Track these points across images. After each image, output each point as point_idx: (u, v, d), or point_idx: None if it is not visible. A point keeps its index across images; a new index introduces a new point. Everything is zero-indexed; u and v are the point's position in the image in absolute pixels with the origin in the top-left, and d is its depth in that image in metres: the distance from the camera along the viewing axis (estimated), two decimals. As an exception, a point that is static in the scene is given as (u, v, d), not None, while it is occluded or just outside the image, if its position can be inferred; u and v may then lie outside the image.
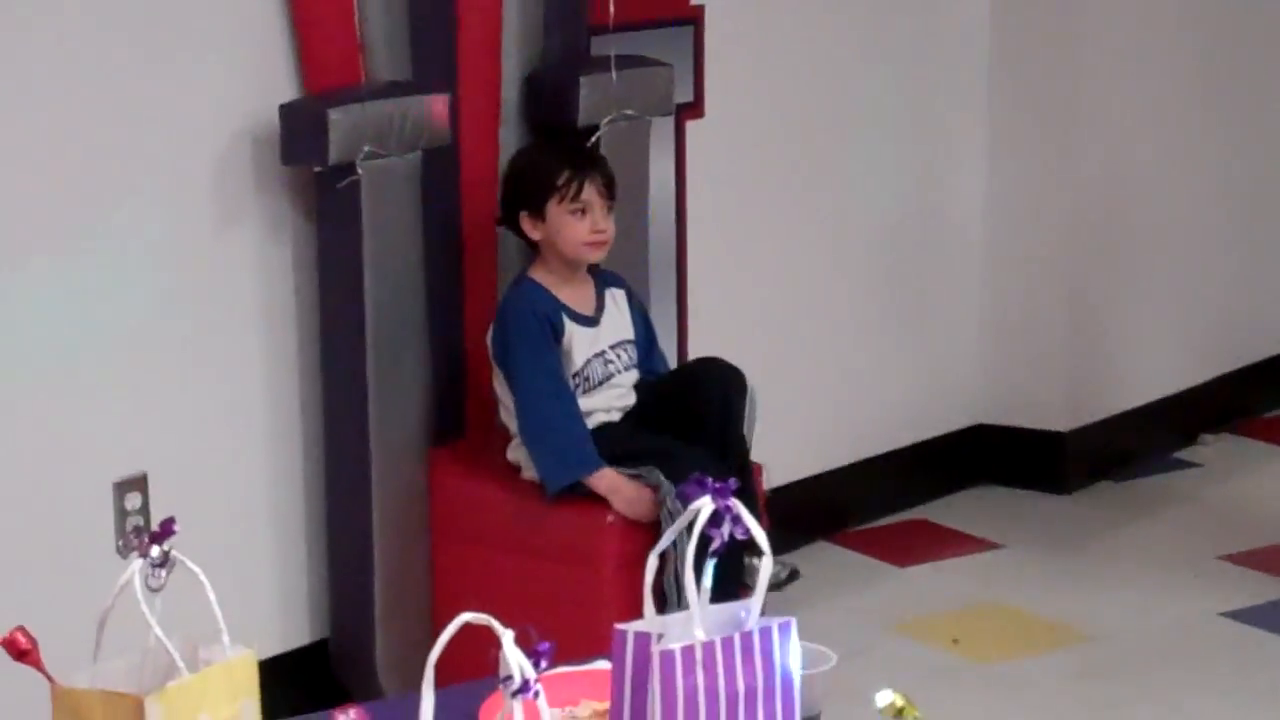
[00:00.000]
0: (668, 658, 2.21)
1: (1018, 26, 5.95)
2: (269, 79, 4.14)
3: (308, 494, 4.36)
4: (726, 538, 2.26)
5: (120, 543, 4.00)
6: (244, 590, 4.26)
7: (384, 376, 4.20)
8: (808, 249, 5.52)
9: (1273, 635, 4.92)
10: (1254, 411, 6.89)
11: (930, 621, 4.96)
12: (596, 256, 4.32)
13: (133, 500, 4.02)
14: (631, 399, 4.38)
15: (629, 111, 4.56)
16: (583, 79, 4.47)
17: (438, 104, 4.19)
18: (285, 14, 4.16)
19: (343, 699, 4.36)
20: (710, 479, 2.25)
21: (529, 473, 4.30)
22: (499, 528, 4.34)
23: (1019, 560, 5.57)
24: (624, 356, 4.37)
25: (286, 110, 4.08)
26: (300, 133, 4.04)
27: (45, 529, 3.91)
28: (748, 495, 4.17)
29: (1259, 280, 6.86)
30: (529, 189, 4.26)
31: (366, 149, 4.04)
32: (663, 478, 4.11)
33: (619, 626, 2.28)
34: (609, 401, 4.33)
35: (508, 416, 4.32)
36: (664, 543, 2.30)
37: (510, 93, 4.53)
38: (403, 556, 4.32)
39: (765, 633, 2.28)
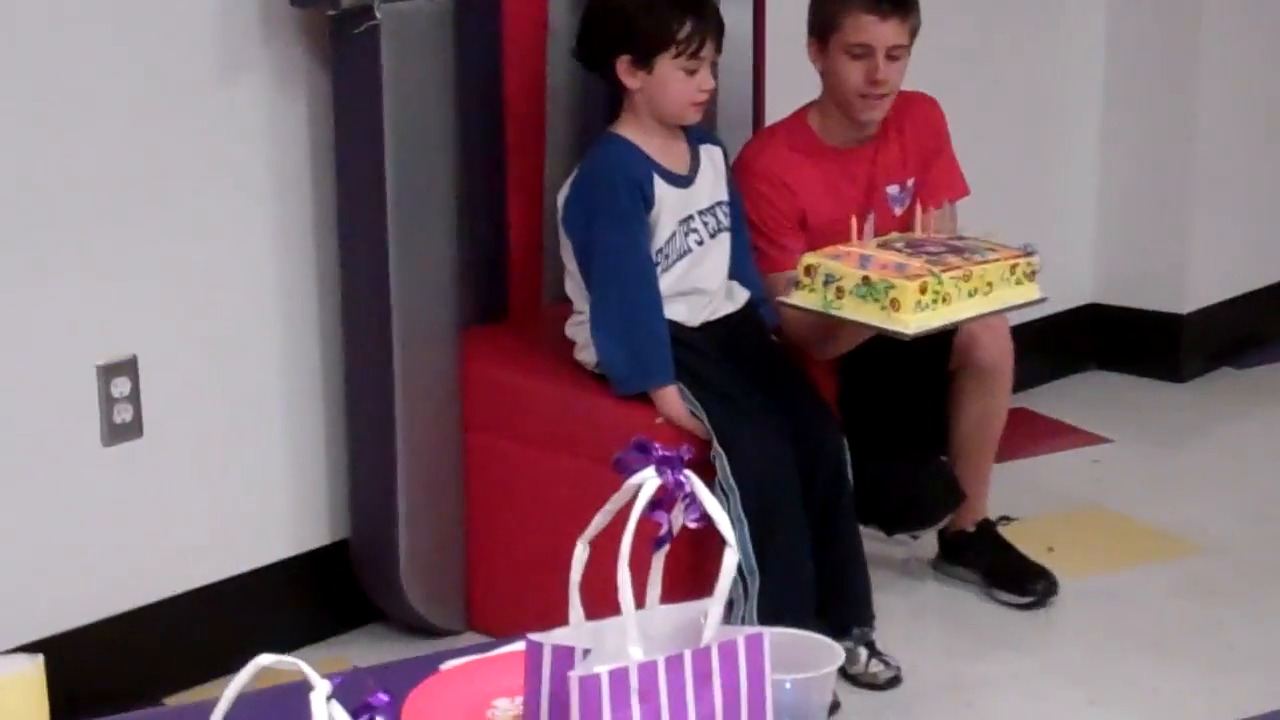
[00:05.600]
0: (590, 685, 1.72)
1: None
2: (280, -91, 3.66)
3: (325, 379, 3.91)
4: (676, 528, 1.77)
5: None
6: (254, 487, 3.85)
7: (408, 250, 3.73)
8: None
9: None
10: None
11: (1024, 526, 4.46)
12: (698, 117, 3.83)
13: (120, 386, 3.58)
14: (720, 306, 3.88)
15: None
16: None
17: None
18: None
19: (364, 605, 3.97)
20: (658, 446, 1.76)
21: (585, 354, 3.83)
22: (537, 420, 3.88)
23: (1127, 457, 5.09)
24: (712, 222, 3.86)
25: (297, -54, 3.60)
26: (312, -29, 3.57)
27: (22, 419, 3.49)
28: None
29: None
30: (640, 34, 3.72)
31: (387, -11, 3.56)
32: (716, 439, 3.65)
33: (533, 638, 1.79)
34: (685, 282, 3.81)
35: (574, 288, 3.84)
36: (594, 528, 1.81)
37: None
38: (430, 450, 3.87)
39: (728, 649, 1.77)
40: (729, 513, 3.59)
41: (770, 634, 1.78)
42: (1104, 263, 5.67)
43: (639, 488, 1.75)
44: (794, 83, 4.16)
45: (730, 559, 1.75)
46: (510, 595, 3.95)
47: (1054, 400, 5.43)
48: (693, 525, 1.76)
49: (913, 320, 3.57)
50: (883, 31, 3.91)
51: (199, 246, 3.69)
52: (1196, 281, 5.62)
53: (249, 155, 3.73)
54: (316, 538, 3.96)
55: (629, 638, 1.73)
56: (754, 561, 3.60)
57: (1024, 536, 4.32)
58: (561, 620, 3.90)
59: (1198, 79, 5.50)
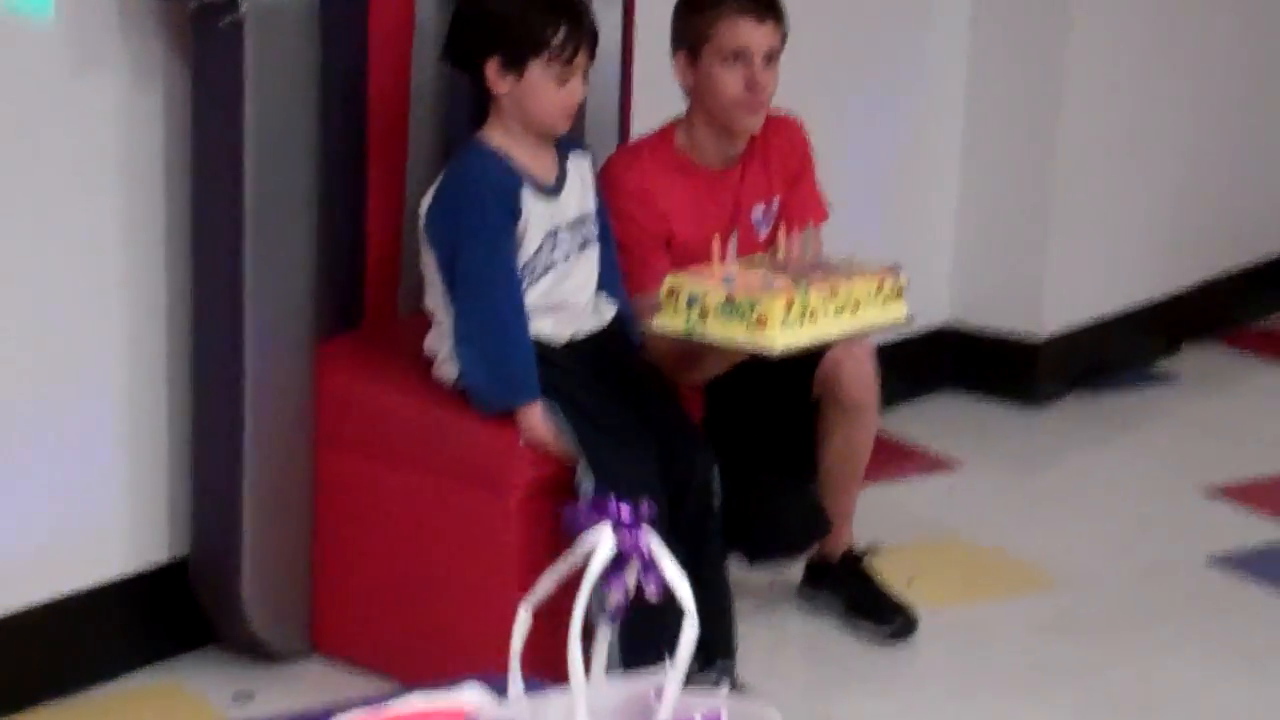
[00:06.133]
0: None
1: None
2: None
3: (170, 388, 3.72)
4: (632, 592, 1.62)
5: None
6: (90, 497, 3.65)
7: (264, 255, 3.56)
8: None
9: (1269, 588, 4.36)
10: (1238, 320, 6.36)
11: (883, 554, 4.35)
12: (568, 126, 3.69)
13: (-44, 388, 3.39)
14: (587, 322, 3.74)
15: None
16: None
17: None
18: None
19: (201, 626, 3.78)
20: (615, 502, 1.61)
21: (445, 369, 3.68)
22: (392, 437, 3.72)
23: (982, 483, 5.02)
24: (580, 235, 3.71)
25: (157, -66, 3.42)
26: (173, -40, 3.40)
27: None
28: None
29: (1245, 184, 6.37)
30: (511, 38, 3.57)
31: (253, -18, 3.40)
32: (583, 459, 3.52)
33: (470, 711, 1.64)
34: (551, 297, 3.67)
35: (435, 300, 3.68)
36: (540, 593, 1.66)
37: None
38: (278, 464, 3.69)
39: (685, 729, 1.63)
40: (594, 539, 3.48)
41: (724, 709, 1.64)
42: (961, 285, 5.61)
43: (591, 549, 1.59)
44: (661, 93, 4.04)
45: (690, 630, 1.61)
46: (357, 619, 3.79)
47: (909, 423, 5.34)
48: (652, 596, 1.62)
49: (780, 337, 3.47)
50: (760, 35, 3.82)
51: (41, 244, 3.50)
52: (1053, 306, 5.57)
53: (99, 151, 3.54)
54: (154, 554, 3.77)
55: (577, 715, 1.58)
56: (619, 591, 3.46)
57: (883, 565, 4.22)
58: (412, 644, 3.75)
59: (1058, 105, 5.46)
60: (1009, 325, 5.58)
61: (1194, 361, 6.07)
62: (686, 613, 1.60)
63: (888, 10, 5.31)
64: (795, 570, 4.19)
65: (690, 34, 3.89)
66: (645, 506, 1.62)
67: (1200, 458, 5.22)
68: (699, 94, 3.89)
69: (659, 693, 1.63)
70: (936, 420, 5.42)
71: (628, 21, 4.25)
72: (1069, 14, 5.40)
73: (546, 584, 1.63)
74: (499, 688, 1.92)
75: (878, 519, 4.47)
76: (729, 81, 3.82)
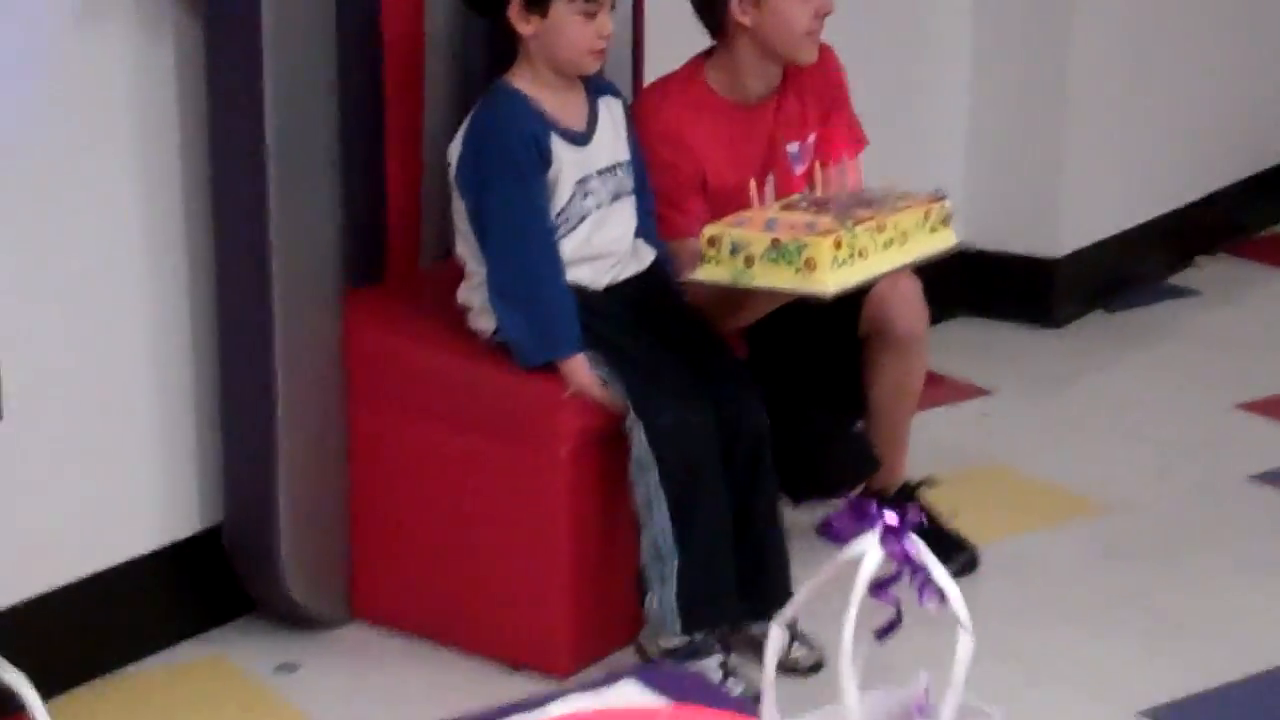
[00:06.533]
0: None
1: None
2: None
3: (195, 348, 3.59)
4: (899, 607, 1.51)
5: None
6: (118, 469, 3.53)
7: (287, 209, 3.42)
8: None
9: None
10: (1249, 230, 6.26)
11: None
12: (598, 66, 3.55)
13: (-20, 357, 3.25)
14: (630, 265, 3.61)
15: None
16: None
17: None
18: None
19: (236, 595, 3.66)
20: (876, 504, 1.49)
21: (481, 321, 3.55)
22: (431, 393, 3.60)
23: (1012, 410, 4.92)
24: (611, 183, 3.57)
25: (167, -122, 3.28)
26: (184, -93, 3.25)
27: None
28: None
29: (1256, 92, 6.24)
30: None
31: (268, -72, 3.26)
32: (632, 408, 3.41)
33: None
34: (589, 247, 3.54)
35: (467, 250, 3.54)
36: (794, 606, 1.53)
37: None
38: (312, 425, 3.57)
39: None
40: (648, 488, 3.36)
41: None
42: (975, 207, 5.47)
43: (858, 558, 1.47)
44: (671, 30, 3.91)
45: (965, 647, 1.49)
46: (398, 583, 3.68)
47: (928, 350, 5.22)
48: (930, 608, 1.50)
49: (831, 279, 3.36)
50: None
51: (57, 210, 3.35)
52: (1069, 224, 5.46)
53: (112, 111, 3.40)
54: (188, 524, 3.64)
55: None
56: (673, 541, 3.36)
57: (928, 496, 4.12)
58: (456, 607, 3.62)
59: (1069, 18, 5.33)
60: (1025, 246, 5.46)
61: (1210, 274, 5.97)
62: (963, 626, 1.48)
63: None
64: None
65: None
66: (915, 511, 1.49)
67: (1226, 373, 5.12)
68: (759, 31, 3.74)
69: (922, 708, 1.51)
70: (956, 346, 5.29)
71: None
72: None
73: (804, 596, 1.51)
74: (655, 683, 1.81)
75: (915, 449, 4.35)
76: (800, 14, 3.71)
